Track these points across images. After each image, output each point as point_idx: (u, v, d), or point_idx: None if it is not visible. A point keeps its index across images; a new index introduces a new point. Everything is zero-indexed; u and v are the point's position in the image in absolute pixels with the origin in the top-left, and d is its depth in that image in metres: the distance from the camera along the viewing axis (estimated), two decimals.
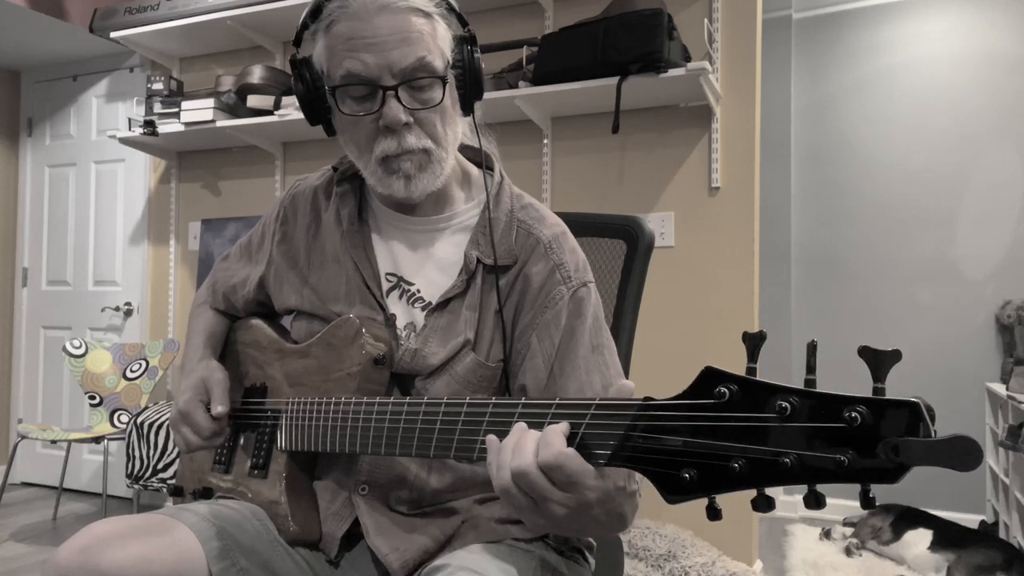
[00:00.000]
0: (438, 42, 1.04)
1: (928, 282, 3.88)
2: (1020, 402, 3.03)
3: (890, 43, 4.01)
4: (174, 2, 3.64)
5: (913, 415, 0.54)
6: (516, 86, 2.93)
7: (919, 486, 3.66)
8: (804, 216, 4.16)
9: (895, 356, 0.55)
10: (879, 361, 0.56)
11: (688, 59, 2.80)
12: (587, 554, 1.14)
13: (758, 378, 0.60)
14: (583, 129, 3.15)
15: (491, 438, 0.80)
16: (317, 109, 1.09)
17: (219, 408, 1.14)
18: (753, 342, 0.62)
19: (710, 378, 0.63)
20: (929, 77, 3.93)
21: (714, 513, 0.64)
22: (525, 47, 2.99)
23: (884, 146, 4.01)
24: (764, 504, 0.62)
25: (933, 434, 0.53)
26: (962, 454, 0.50)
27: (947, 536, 3.13)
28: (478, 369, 1.07)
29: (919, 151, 3.93)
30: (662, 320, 2.94)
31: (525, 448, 0.75)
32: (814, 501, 0.59)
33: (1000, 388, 3.42)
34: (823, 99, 4.15)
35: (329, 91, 1.05)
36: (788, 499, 3.91)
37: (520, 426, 0.79)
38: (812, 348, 0.58)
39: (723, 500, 0.65)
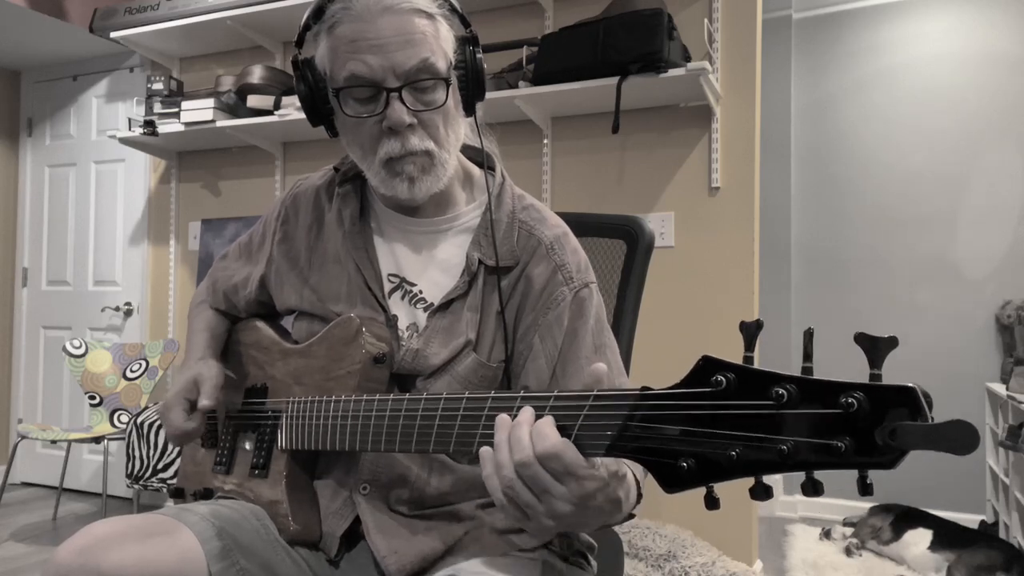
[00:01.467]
0: (441, 43, 1.04)
1: (928, 282, 3.88)
2: (1020, 402, 3.03)
3: (890, 43, 4.02)
4: (174, 2, 3.65)
5: (910, 400, 0.54)
6: (516, 86, 2.93)
7: (919, 486, 3.66)
8: (804, 216, 4.16)
9: (891, 343, 0.55)
10: (875, 347, 0.56)
11: (688, 59, 2.80)
12: (589, 557, 1.14)
13: (755, 366, 0.60)
14: (583, 129, 3.16)
15: (484, 450, 0.78)
16: (319, 110, 1.08)
17: (204, 402, 1.14)
18: (750, 331, 0.62)
19: (707, 367, 0.63)
20: (929, 77, 3.93)
21: (712, 502, 0.64)
22: (525, 47, 2.99)
23: (884, 146, 4.01)
24: (762, 492, 0.62)
25: (930, 419, 0.53)
26: (959, 437, 0.50)
27: (947, 536, 3.13)
28: (479, 369, 1.07)
29: (919, 151, 3.93)
30: (662, 320, 2.93)
31: (522, 440, 0.75)
32: (811, 488, 0.59)
33: (1000, 388, 3.42)
34: (823, 99, 4.15)
35: (332, 93, 1.05)
36: (788, 499, 3.91)
37: (503, 419, 0.79)
38: (809, 336, 0.58)
39: (724, 500, 0.65)
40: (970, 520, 3.46)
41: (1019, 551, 2.98)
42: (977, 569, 2.91)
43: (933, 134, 3.91)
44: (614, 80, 2.71)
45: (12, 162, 4.62)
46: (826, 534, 3.54)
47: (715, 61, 2.93)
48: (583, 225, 1.39)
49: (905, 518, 3.30)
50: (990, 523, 3.48)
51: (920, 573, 3.11)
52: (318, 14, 1.04)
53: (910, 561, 3.16)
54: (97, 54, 4.33)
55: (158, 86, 3.72)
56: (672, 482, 0.65)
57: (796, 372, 0.57)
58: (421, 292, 1.12)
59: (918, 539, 3.17)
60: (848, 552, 3.31)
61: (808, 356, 0.59)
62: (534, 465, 0.73)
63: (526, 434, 0.74)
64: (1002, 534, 3.35)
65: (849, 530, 3.49)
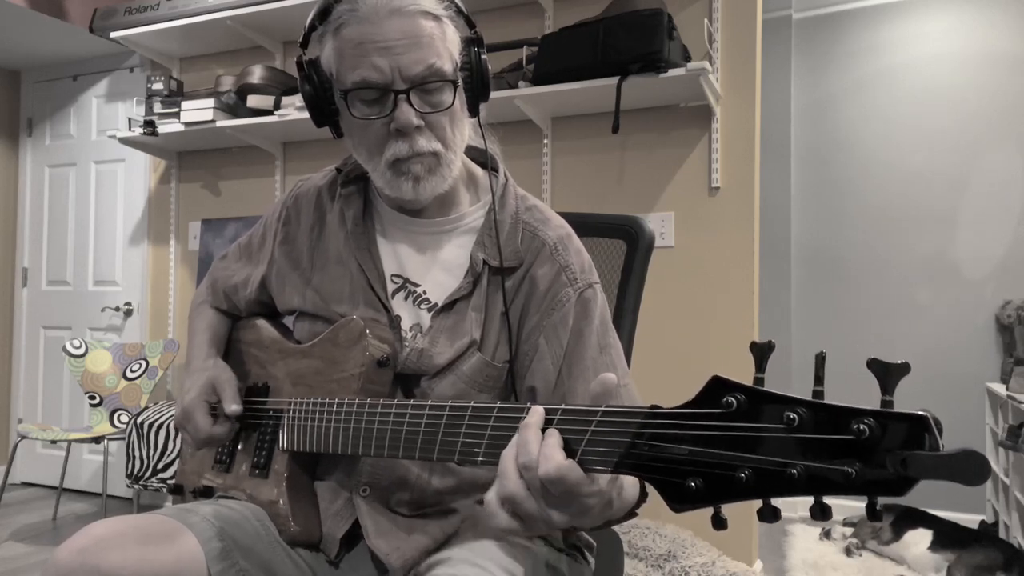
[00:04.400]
0: (447, 45, 1.04)
1: (928, 282, 3.88)
2: (1020, 402, 3.04)
3: (890, 43, 4.02)
4: (174, 2, 3.64)
5: (921, 428, 0.54)
6: (516, 86, 2.93)
7: (919, 486, 3.64)
8: (804, 216, 4.16)
9: (903, 369, 0.55)
10: (887, 374, 0.56)
11: (688, 59, 2.79)
12: (587, 553, 1.14)
13: (766, 388, 0.60)
14: (583, 129, 3.15)
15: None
16: (325, 111, 1.08)
17: (233, 407, 1.15)
18: (761, 352, 0.62)
19: (717, 387, 0.63)
20: (929, 77, 3.93)
21: (719, 522, 0.64)
22: (525, 47, 2.99)
23: (884, 146, 4.01)
24: (770, 515, 0.62)
25: (941, 448, 0.53)
26: (969, 469, 0.50)
27: (947, 536, 3.13)
28: (484, 369, 1.07)
29: (919, 151, 3.94)
30: (662, 320, 2.94)
31: (528, 444, 0.74)
32: (820, 512, 0.59)
33: (1000, 388, 3.42)
34: (823, 99, 4.15)
35: (340, 95, 1.05)
36: (789, 499, 3.91)
37: (516, 438, 0.77)
38: (820, 359, 0.58)
39: (726, 516, 0.65)
40: (970, 520, 3.46)
41: (1019, 551, 2.99)
42: (977, 569, 2.92)
43: (933, 134, 3.91)
44: (614, 80, 2.70)
45: (12, 162, 4.61)
46: (826, 534, 3.55)
47: (715, 61, 2.92)
48: (583, 225, 1.38)
49: (905, 518, 3.31)
50: (990, 523, 3.48)
51: (920, 573, 3.11)
52: (324, 15, 1.04)
53: (910, 561, 3.17)
54: (97, 54, 4.32)
55: (158, 86, 3.71)
56: (679, 500, 0.65)
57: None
58: (425, 292, 1.12)
59: (918, 539, 3.18)
60: (848, 552, 3.32)
61: (819, 379, 0.58)
62: (535, 470, 0.73)
63: (532, 437, 0.74)
64: (1002, 534, 3.35)
65: (849, 530, 3.50)
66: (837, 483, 0.56)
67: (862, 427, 0.54)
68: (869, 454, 0.55)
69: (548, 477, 0.71)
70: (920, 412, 0.53)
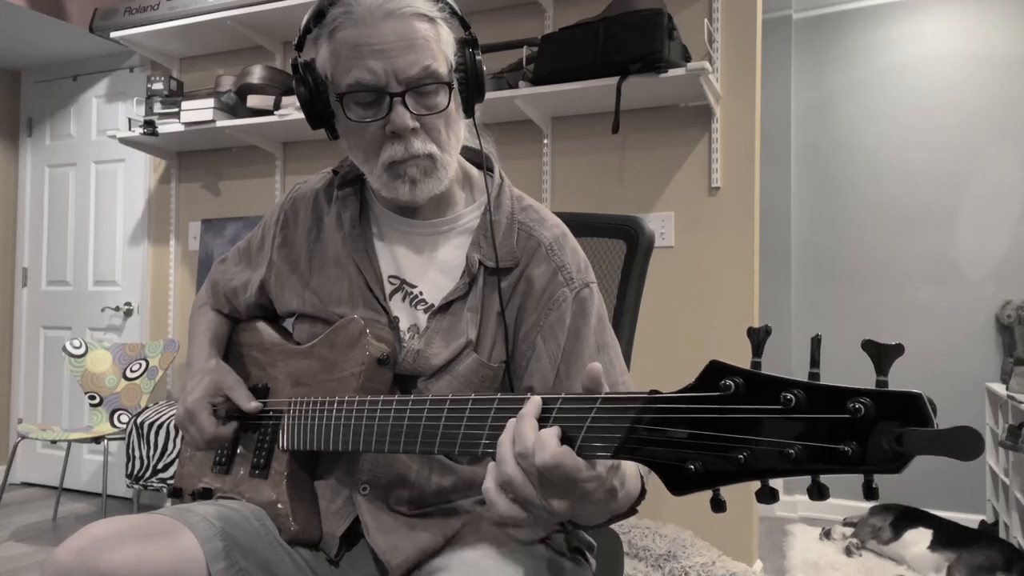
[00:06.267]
0: (442, 47, 1.05)
1: (928, 282, 3.89)
2: (1020, 402, 3.04)
3: (890, 43, 4.02)
4: (174, 2, 3.65)
5: (915, 406, 0.55)
6: (516, 86, 2.93)
7: (919, 486, 3.67)
8: (804, 216, 4.16)
9: (898, 350, 0.56)
10: (882, 355, 0.57)
11: (688, 59, 2.80)
12: (588, 555, 1.14)
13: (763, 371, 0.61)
14: (583, 129, 3.16)
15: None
16: (320, 113, 1.09)
17: (253, 403, 1.15)
18: (757, 337, 0.63)
19: (716, 371, 0.64)
20: (929, 77, 3.94)
21: (718, 505, 0.65)
22: (525, 47, 2.99)
23: (884, 146, 4.02)
24: (768, 496, 0.62)
25: (935, 425, 0.54)
26: (964, 444, 0.51)
27: (947, 536, 3.13)
28: (480, 369, 1.07)
29: (919, 151, 3.94)
30: (662, 320, 2.94)
31: (524, 433, 0.74)
32: (817, 492, 0.60)
33: (1000, 388, 3.43)
34: (823, 99, 4.15)
35: (335, 97, 1.06)
36: (788, 499, 3.91)
37: (511, 422, 0.78)
38: (816, 342, 0.59)
39: (725, 499, 0.65)
40: (970, 520, 3.46)
41: (1019, 551, 2.98)
42: (977, 569, 2.92)
43: (933, 134, 3.91)
44: (614, 80, 2.71)
45: (12, 162, 4.62)
46: (826, 534, 3.55)
47: (715, 61, 2.93)
48: (583, 225, 1.39)
49: (905, 518, 3.31)
50: (990, 523, 3.48)
51: (920, 573, 3.11)
52: (318, 17, 1.04)
53: (910, 561, 3.17)
54: (97, 54, 4.33)
55: (158, 86, 3.72)
56: (679, 485, 0.65)
57: (796, 372, 0.57)
58: (421, 294, 1.12)
59: (918, 539, 3.18)
60: (848, 552, 3.32)
61: (815, 362, 0.59)
62: (532, 458, 0.73)
63: (528, 427, 0.75)
64: (1002, 534, 3.35)
65: (849, 530, 3.50)
66: (834, 461, 0.57)
67: (858, 406, 0.55)
68: (865, 432, 0.56)
69: (545, 464, 0.71)
70: (914, 391, 0.54)
